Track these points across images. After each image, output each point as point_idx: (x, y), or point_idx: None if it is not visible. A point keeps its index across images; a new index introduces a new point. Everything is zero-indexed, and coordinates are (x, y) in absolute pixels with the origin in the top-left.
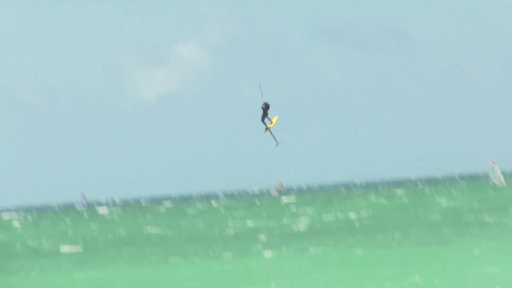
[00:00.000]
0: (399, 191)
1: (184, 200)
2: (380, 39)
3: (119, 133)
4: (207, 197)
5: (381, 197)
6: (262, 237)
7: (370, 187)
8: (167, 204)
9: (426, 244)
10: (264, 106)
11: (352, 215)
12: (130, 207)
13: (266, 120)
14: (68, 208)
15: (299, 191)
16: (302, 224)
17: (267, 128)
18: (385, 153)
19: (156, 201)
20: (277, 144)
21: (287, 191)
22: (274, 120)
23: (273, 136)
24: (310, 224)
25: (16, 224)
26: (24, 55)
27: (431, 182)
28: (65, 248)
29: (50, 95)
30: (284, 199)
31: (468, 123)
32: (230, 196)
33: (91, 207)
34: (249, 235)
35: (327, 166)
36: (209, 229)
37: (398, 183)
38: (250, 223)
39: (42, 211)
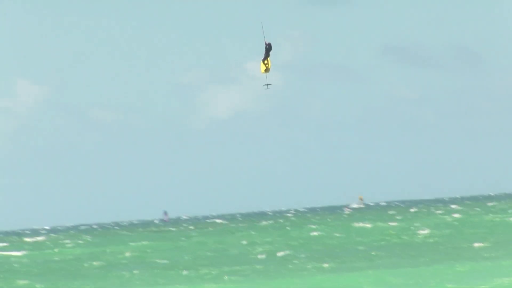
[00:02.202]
0: (471, 207)
1: (255, 216)
2: (449, 57)
3: (190, 151)
4: (280, 213)
5: (453, 213)
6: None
7: (440, 202)
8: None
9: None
10: (267, 47)
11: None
12: (198, 224)
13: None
14: (143, 225)
15: (376, 207)
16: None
17: (266, 69)
18: (456, 169)
19: (228, 217)
20: (267, 86)
21: (365, 208)
22: (269, 63)
23: (266, 79)
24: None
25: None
26: (96, 74)
27: (503, 198)
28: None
29: (122, 113)
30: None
31: None
32: (302, 213)
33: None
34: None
35: (399, 183)
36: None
37: (468, 199)
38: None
39: (108, 229)
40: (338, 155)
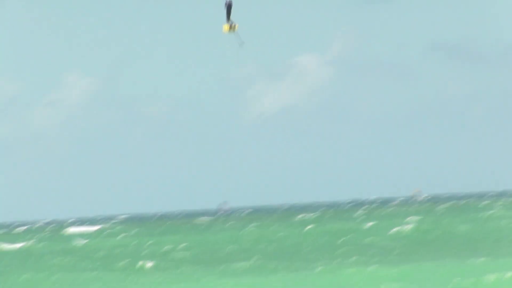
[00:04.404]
0: None
1: (293, 210)
2: (498, 53)
3: (238, 144)
4: (329, 206)
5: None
6: None
7: (499, 197)
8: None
9: None
10: (227, 6)
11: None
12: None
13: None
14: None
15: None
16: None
17: (231, 28)
18: (505, 164)
19: (266, 210)
20: (241, 43)
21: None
22: (234, 24)
23: (238, 37)
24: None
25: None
26: (145, 68)
27: None
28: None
29: (171, 106)
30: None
31: None
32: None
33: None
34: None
35: (449, 177)
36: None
37: None
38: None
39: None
40: (388, 150)
